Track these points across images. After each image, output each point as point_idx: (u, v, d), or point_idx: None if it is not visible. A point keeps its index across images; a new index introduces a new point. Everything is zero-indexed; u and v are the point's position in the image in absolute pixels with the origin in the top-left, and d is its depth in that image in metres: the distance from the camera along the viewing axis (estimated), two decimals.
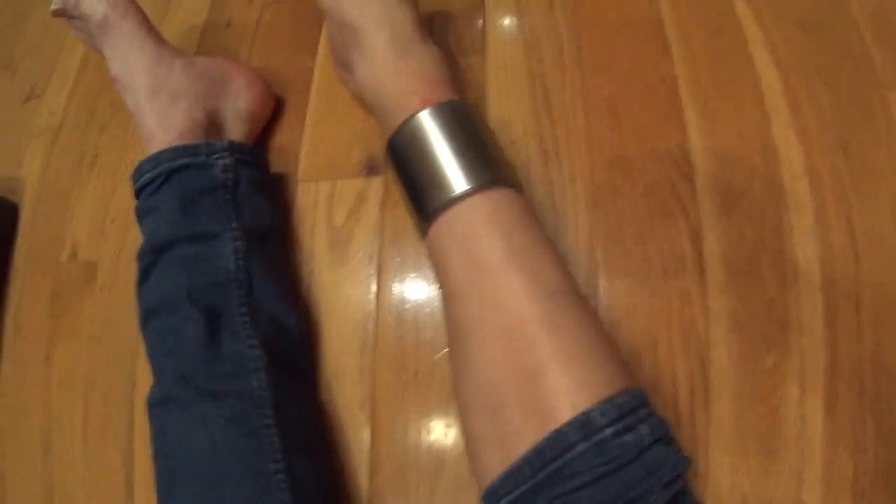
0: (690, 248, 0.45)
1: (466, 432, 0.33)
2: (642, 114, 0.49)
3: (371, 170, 0.52)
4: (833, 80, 0.48)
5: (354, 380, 0.46)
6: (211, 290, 0.42)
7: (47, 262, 0.62)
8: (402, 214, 0.49)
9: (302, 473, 0.38)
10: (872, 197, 0.44)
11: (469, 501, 0.42)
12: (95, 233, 0.61)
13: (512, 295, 0.31)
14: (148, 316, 0.44)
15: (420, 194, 0.36)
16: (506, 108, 0.52)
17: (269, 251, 0.47)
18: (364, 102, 0.42)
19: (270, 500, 0.36)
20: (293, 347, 0.44)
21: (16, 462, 0.56)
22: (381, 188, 0.51)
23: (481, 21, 0.57)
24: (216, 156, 0.47)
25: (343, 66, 0.47)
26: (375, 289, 0.48)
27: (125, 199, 0.61)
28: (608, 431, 0.27)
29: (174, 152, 0.46)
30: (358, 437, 0.44)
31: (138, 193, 0.48)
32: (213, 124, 0.51)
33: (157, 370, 0.42)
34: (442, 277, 0.35)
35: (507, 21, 0.56)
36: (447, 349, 0.44)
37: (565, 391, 0.28)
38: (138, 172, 0.47)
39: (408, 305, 0.47)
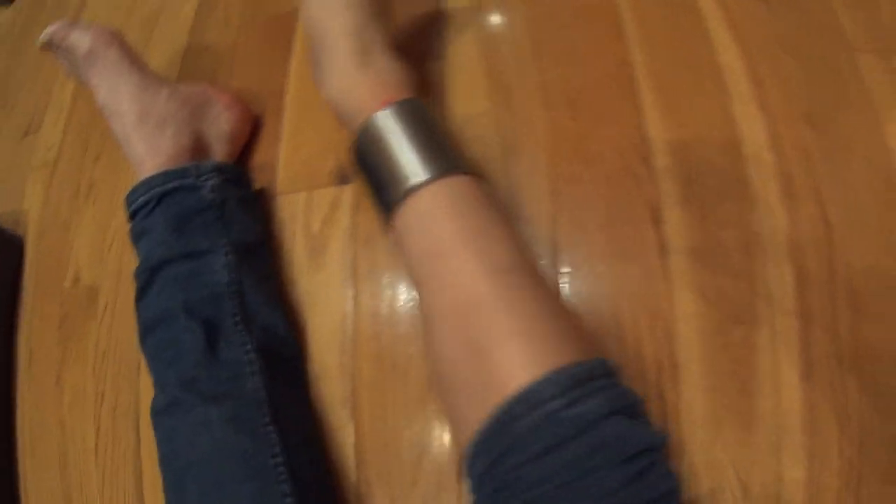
0: (653, 229, 0.45)
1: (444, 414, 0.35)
2: (600, 102, 0.50)
3: (342, 178, 0.54)
4: (798, 49, 0.48)
5: (336, 377, 0.48)
6: (206, 302, 0.45)
7: (53, 289, 0.66)
8: (372, 218, 0.52)
9: (300, 466, 0.41)
10: (844, 163, 0.44)
11: (450, 486, 0.44)
12: (95, 259, 0.64)
13: (463, 274, 0.32)
14: (147, 331, 0.47)
15: (382, 189, 0.38)
16: (468, 107, 0.54)
17: (256, 263, 0.50)
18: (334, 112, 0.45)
19: (272, 491, 0.38)
20: (286, 351, 0.47)
21: (37, 479, 0.60)
22: (352, 195, 0.53)
23: (440, 25, 0.58)
24: (204, 177, 0.50)
25: (316, 77, 0.50)
26: (352, 290, 0.50)
27: (121, 225, 0.64)
28: (556, 403, 0.27)
29: (165, 176, 0.49)
30: (343, 432, 0.47)
31: (132, 217, 0.50)
32: (198, 147, 0.53)
33: (160, 380, 0.44)
34: (407, 267, 0.37)
35: (465, 23, 0.58)
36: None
37: (516, 365, 0.28)
38: (131, 197, 0.50)
39: (383, 303, 0.49)
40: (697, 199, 0.45)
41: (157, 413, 0.43)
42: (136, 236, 0.50)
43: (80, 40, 0.53)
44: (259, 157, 0.59)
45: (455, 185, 0.36)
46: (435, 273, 0.34)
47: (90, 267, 0.64)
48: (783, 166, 0.45)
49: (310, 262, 0.52)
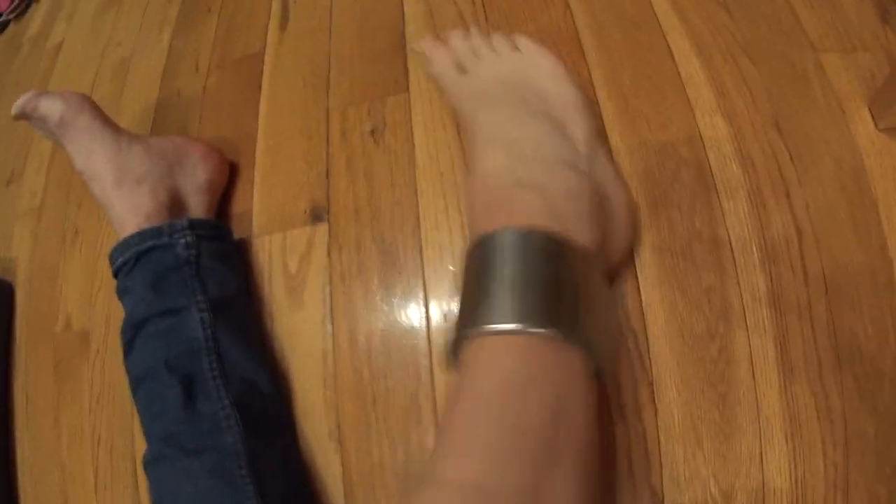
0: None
1: None
2: None
3: (316, 217, 0.56)
4: (761, 55, 0.50)
5: (321, 413, 0.51)
6: (185, 358, 0.48)
7: (46, 334, 0.68)
8: (346, 257, 0.54)
9: None
10: (813, 165, 0.45)
11: None
12: (84, 303, 0.66)
13: None
14: (136, 385, 0.49)
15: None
16: (433, 139, 0.56)
17: (235, 316, 0.52)
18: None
19: None
20: (265, 402, 0.49)
21: None
22: (326, 234, 0.55)
23: (403, 60, 0.61)
24: (178, 235, 0.52)
25: None
26: (330, 327, 0.53)
27: (108, 270, 0.66)
28: None
29: (141, 236, 0.51)
30: (331, 465, 0.49)
31: (115, 275, 0.53)
32: (175, 201, 0.55)
33: (147, 433, 0.47)
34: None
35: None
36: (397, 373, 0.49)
37: None
38: (112, 256, 0.52)
39: (360, 338, 0.52)
40: (664, 215, 0.47)
41: (147, 464, 0.46)
42: (120, 294, 0.52)
43: (51, 109, 0.54)
44: (238, 204, 0.61)
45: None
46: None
47: (80, 311, 0.66)
48: (750, 175, 0.46)
49: (289, 301, 0.55)
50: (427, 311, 0.50)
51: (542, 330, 0.31)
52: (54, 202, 0.73)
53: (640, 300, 0.45)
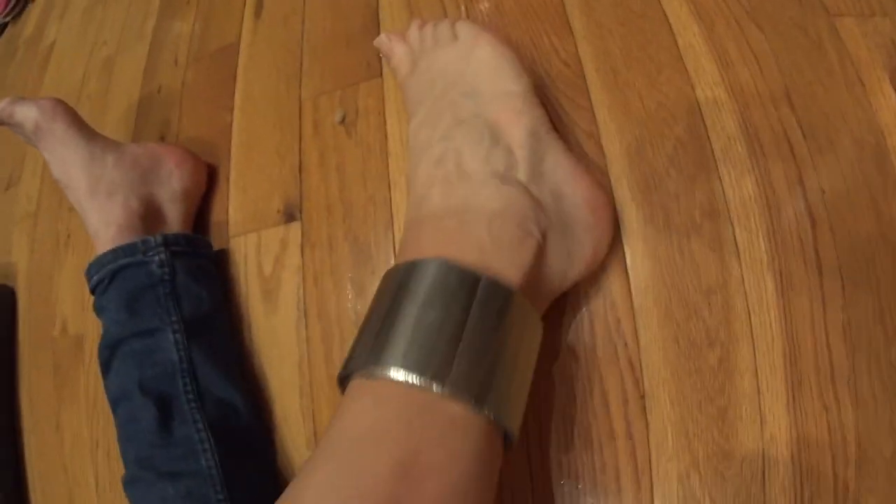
0: (614, 244, 0.42)
1: None
2: (546, 107, 0.48)
3: (290, 216, 0.54)
4: (769, 20, 0.44)
5: (299, 420, 0.49)
6: (159, 380, 0.47)
7: (45, 338, 0.68)
8: (318, 256, 0.52)
9: None
10: (828, 145, 0.39)
11: None
12: (78, 308, 0.66)
13: None
14: (114, 405, 0.48)
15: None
16: (406, 126, 0.52)
17: (210, 335, 0.50)
18: None
19: None
20: (241, 422, 0.48)
21: None
22: (299, 233, 0.53)
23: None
24: (152, 252, 0.50)
25: None
26: (305, 332, 0.50)
27: None
28: None
29: (115, 254, 0.50)
30: None
31: (92, 292, 0.52)
32: (149, 211, 0.54)
33: (123, 455, 0.47)
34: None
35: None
36: None
37: None
38: (88, 273, 0.51)
39: (334, 345, 0.49)
40: (659, 203, 0.42)
41: (125, 485, 0.45)
42: (98, 311, 0.51)
43: (25, 116, 0.53)
44: (217, 210, 0.59)
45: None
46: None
47: (75, 316, 0.66)
48: (758, 156, 0.41)
49: (265, 306, 0.53)
50: None
51: (429, 383, 0.28)
52: (48, 206, 0.73)
53: (631, 302, 0.41)
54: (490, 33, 0.42)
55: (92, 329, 0.64)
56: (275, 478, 0.48)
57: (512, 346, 0.31)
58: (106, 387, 0.50)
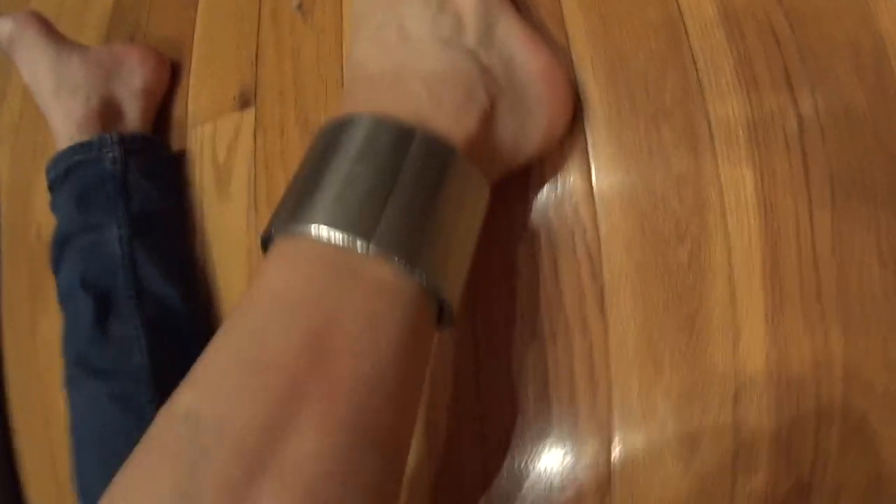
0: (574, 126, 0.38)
1: None
2: None
3: (244, 103, 0.52)
4: None
5: None
6: (101, 276, 0.47)
7: (21, 246, 0.68)
8: (271, 140, 0.50)
9: None
10: (819, 41, 0.34)
11: None
12: (50, 212, 0.66)
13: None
14: (62, 303, 0.49)
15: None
16: None
17: (158, 233, 0.50)
18: None
19: None
20: (179, 325, 0.47)
21: (25, 430, 0.63)
22: (252, 119, 0.51)
23: None
24: (106, 150, 0.51)
25: None
26: (255, 219, 0.49)
27: None
28: None
29: (71, 151, 0.51)
30: None
31: (50, 189, 0.53)
32: (110, 109, 0.54)
33: (63, 353, 0.47)
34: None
35: None
36: None
37: None
38: (46, 173, 0.52)
39: None
40: (624, 90, 0.37)
41: (63, 386, 0.45)
42: (53, 209, 0.52)
43: (2, 29, 0.55)
44: (178, 106, 0.58)
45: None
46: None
47: (49, 222, 0.66)
48: (739, 46, 0.35)
49: (218, 194, 0.52)
50: None
51: (353, 240, 0.25)
52: (29, 118, 0.73)
53: (591, 186, 0.36)
54: None
55: None
56: None
57: (451, 208, 0.28)
58: (57, 286, 0.50)
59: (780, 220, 0.32)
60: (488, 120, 0.32)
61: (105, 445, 0.42)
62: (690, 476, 0.32)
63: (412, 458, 0.35)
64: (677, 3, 0.38)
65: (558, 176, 0.38)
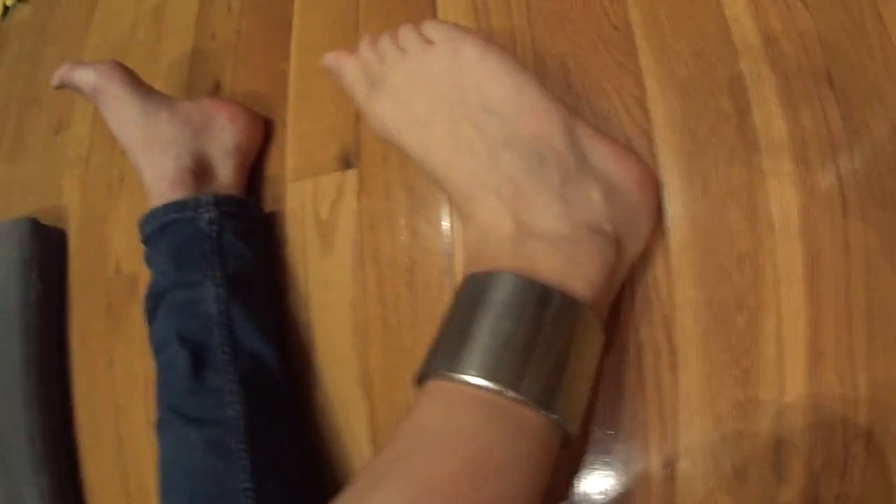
0: None
1: None
2: (595, 69, 0.49)
3: (346, 163, 0.55)
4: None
5: (351, 359, 0.51)
6: (197, 330, 0.49)
7: (97, 278, 0.70)
8: (375, 203, 0.53)
9: (269, 492, 0.44)
10: (865, 127, 0.39)
11: None
12: (131, 247, 0.68)
13: None
14: (156, 353, 0.51)
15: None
16: None
17: (251, 293, 0.52)
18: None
19: None
20: (272, 381, 0.50)
21: (95, 456, 0.66)
22: (356, 180, 0.54)
23: None
24: (202, 210, 0.52)
25: None
26: (361, 275, 0.52)
27: None
28: None
29: (166, 209, 0.52)
30: (357, 410, 0.50)
31: (144, 243, 0.55)
32: (202, 166, 0.56)
33: (158, 400, 0.49)
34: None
35: None
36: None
37: None
38: (141, 226, 0.54)
39: (387, 285, 0.51)
40: (698, 171, 0.42)
41: (157, 428, 0.48)
42: (148, 262, 0.54)
43: (84, 80, 0.56)
44: (272, 166, 0.60)
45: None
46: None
47: (128, 256, 0.68)
48: (796, 133, 0.40)
49: (321, 248, 0.55)
50: (452, 262, 0.49)
51: (504, 389, 0.30)
52: (100, 150, 0.75)
53: (668, 263, 0.42)
54: (467, 30, 0.40)
55: (146, 269, 0.66)
56: (299, 436, 0.51)
57: (577, 357, 0.33)
58: (150, 335, 0.52)
59: (822, 294, 0.38)
60: (613, 264, 0.37)
61: (195, 485, 0.44)
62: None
63: None
64: (746, 94, 0.43)
65: (641, 254, 0.43)
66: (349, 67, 0.46)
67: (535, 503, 0.31)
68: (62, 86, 0.58)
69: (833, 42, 0.42)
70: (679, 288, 0.41)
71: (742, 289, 0.40)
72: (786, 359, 0.38)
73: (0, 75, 0.96)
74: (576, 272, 0.35)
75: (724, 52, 0.45)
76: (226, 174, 0.57)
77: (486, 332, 0.32)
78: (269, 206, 0.59)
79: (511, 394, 0.30)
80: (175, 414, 0.47)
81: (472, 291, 0.35)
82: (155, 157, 0.54)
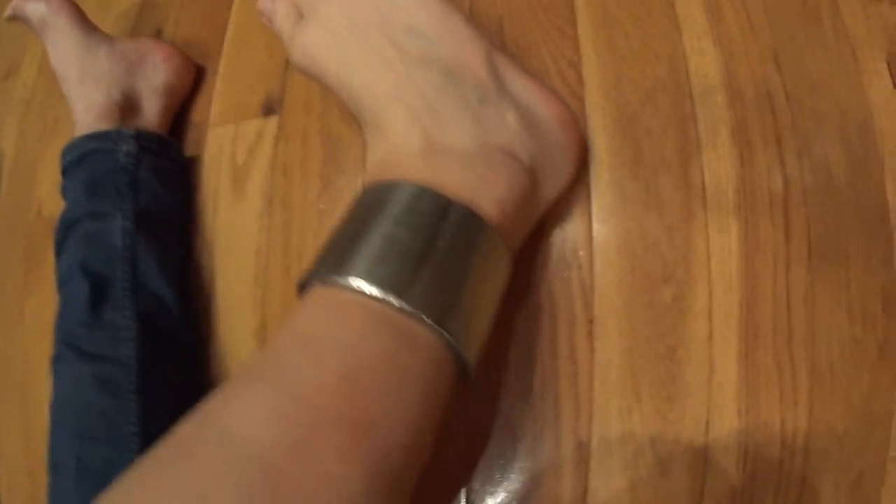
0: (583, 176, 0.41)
1: None
2: (533, 32, 0.47)
3: (269, 109, 0.54)
4: None
5: (248, 310, 0.49)
6: (101, 263, 0.48)
7: (20, 222, 0.68)
8: (291, 149, 0.51)
9: (156, 436, 0.41)
10: (811, 111, 0.38)
11: None
12: (56, 191, 0.66)
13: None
14: (60, 286, 0.49)
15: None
16: None
17: (160, 234, 0.51)
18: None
19: (124, 458, 0.41)
20: (171, 324, 0.48)
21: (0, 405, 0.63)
22: (276, 126, 0.53)
23: None
24: (122, 142, 0.52)
25: None
26: (267, 220, 0.50)
27: None
28: None
29: (88, 139, 0.52)
30: None
31: (63, 174, 0.54)
32: (130, 102, 0.56)
33: (55, 333, 0.47)
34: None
35: None
36: None
37: None
38: (62, 156, 0.53)
39: (293, 234, 0.49)
40: (630, 139, 0.41)
41: (51, 362, 0.46)
42: (63, 193, 0.53)
43: (34, 11, 0.56)
44: (200, 111, 0.59)
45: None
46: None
47: (51, 199, 0.66)
48: (737, 110, 0.39)
49: (232, 193, 0.53)
50: None
51: (389, 296, 0.27)
52: (42, 93, 0.74)
53: (590, 227, 0.40)
54: None
55: None
56: (193, 383, 0.49)
57: (477, 277, 0.31)
58: (57, 268, 0.51)
59: (758, 271, 0.36)
60: (525, 191, 0.35)
61: (83, 423, 0.43)
62: (659, 499, 0.34)
63: None
64: (686, 65, 0.42)
65: (560, 215, 0.41)
66: (278, 7, 0.44)
67: (426, 436, 0.28)
68: (13, 17, 0.59)
69: (784, 27, 0.41)
70: (600, 255, 0.39)
71: (670, 261, 0.37)
72: (716, 338, 0.35)
73: None
74: (484, 191, 0.32)
75: (666, 25, 0.43)
76: (152, 113, 0.57)
77: (378, 238, 0.29)
78: (189, 151, 0.58)
79: (398, 302, 0.27)
80: (70, 348, 0.45)
81: (370, 200, 0.32)
82: (87, 90, 0.54)
